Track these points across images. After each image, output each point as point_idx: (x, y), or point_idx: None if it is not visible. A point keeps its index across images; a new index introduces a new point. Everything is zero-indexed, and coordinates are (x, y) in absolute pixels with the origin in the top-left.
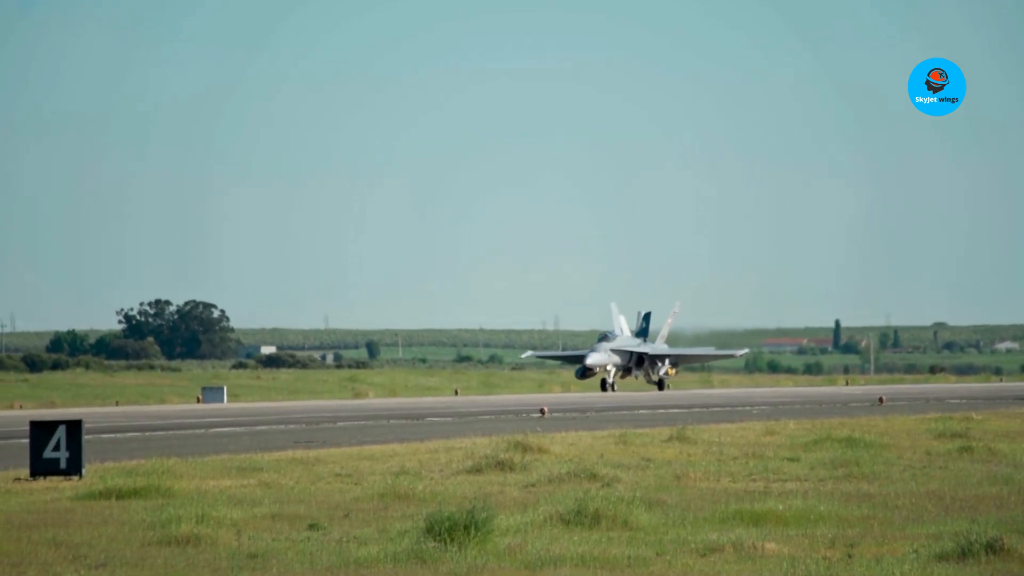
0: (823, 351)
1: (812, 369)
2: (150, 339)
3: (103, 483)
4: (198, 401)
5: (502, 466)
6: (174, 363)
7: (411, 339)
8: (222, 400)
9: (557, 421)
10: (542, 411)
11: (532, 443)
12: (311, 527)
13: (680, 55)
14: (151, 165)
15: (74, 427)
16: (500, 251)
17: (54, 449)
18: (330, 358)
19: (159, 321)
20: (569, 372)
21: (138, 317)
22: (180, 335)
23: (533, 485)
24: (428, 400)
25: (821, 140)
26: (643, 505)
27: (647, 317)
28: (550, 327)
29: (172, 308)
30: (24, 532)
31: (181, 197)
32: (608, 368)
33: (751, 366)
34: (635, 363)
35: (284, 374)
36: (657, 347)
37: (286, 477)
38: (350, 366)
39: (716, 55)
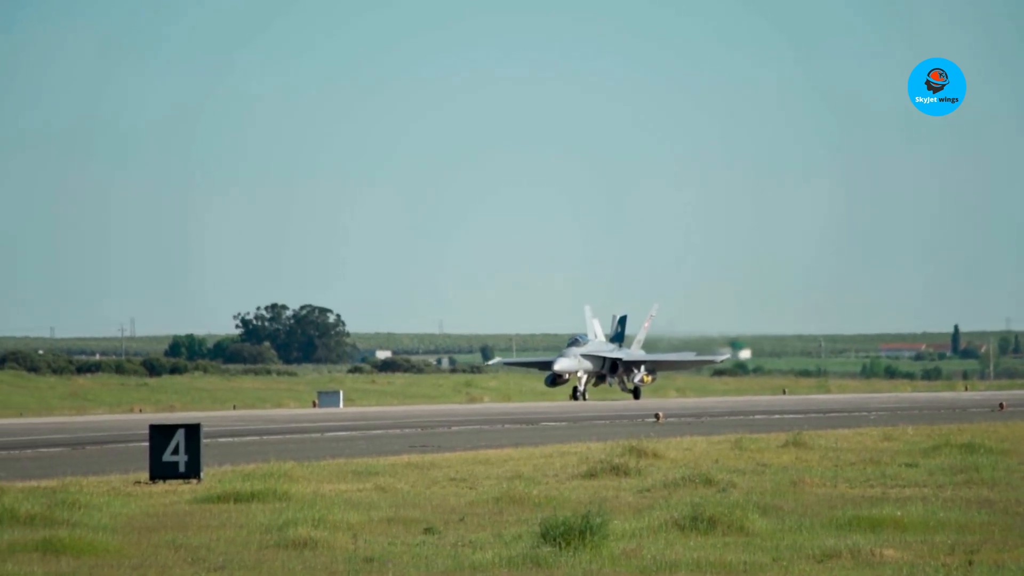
0: (941, 356)
1: (930, 374)
2: (267, 344)
3: (221, 486)
4: (314, 405)
5: (617, 471)
6: (290, 367)
7: (525, 344)
8: (338, 404)
9: (672, 426)
10: (657, 416)
11: (647, 448)
12: (427, 531)
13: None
14: (266, 171)
15: (192, 431)
16: (608, 254)
17: (173, 453)
18: (445, 362)
19: (276, 326)
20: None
21: (255, 322)
22: (296, 340)
23: (648, 490)
24: (543, 405)
25: (919, 140)
26: (759, 511)
27: (623, 321)
28: (664, 331)
29: (288, 313)
30: (144, 535)
31: (298, 202)
32: (579, 375)
33: (868, 371)
34: (608, 369)
35: (399, 378)
36: (632, 352)
37: (402, 481)
38: (464, 371)
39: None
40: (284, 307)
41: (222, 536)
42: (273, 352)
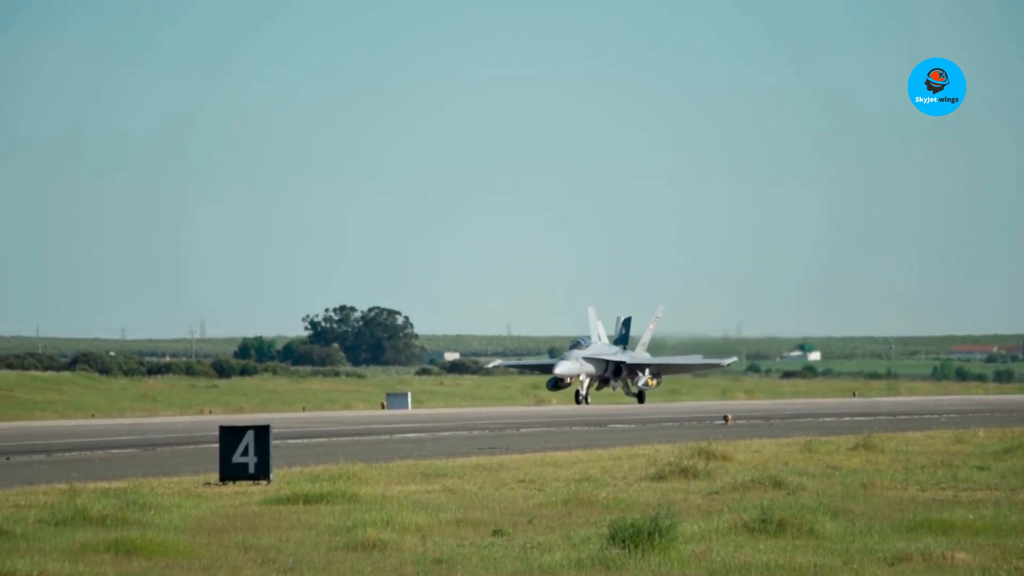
0: (1014, 359)
1: (1002, 377)
2: (335, 345)
3: (290, 488)
4: (382, 407)
5: (686, 473)
6: (359, 369)
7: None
8: (406, 406)
9: (741, 428)
10: (726, 418)
11: (716, 450)
12: (495, 533)
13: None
14: (333, 172)
15: (262, 432)
16: (682, 257)
17: (243, 454)
18: None
19: (344, 328)
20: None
21: (324, 324)
22: (365, 341)
23: (717, 492)
24: (610, 407)
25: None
26: (829, 513)
27: (627, 323)
28: (732, 334)
29: (357, 315)
30: (214, 536)
31: (367, 204)
32: (581, 378)
33: (939, 374)
34: (612, 373)
35: (467, 380)
36: (637, 355)
37: (470, 483)
38: (533, 372)
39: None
40: (353, 309)
41: (292, 537)
42: (342, 354)
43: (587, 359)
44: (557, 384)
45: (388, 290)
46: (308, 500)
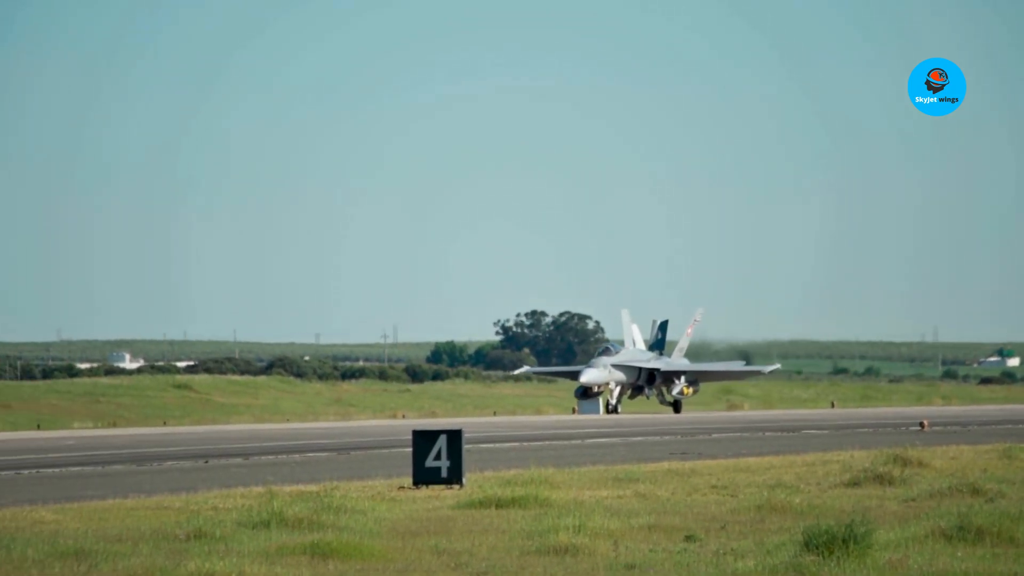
0: None
1: None
2: (526, 350)
3: (482, 492)
4: (573, 412)
5: (881, 480)
6: None
7: (786, 351)
8: (597, 411)
9: (937, 435)
10: (922, 424)
11: (912, 456)
12: (687, 539)
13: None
14: (525, 179)
15: (454, 437)
16: (868, 262)
17: (436, 458)
18: None
19: (535, 332)
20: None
21: (514, 328)
22: (556, 346)
23: (913, 499)
24: (804, 412)
25: None
26: None
27: (663, 327)
28: (929, 339)
29: (548, 319)
30: (408, 539)
31: (559, 209)
32: (611, 387)
33: None
34: (646, 380)
35: None
36: (672, 362)
37: (662, 488)
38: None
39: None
40: (543, 314)
41: (484, 542)
42: (533, 358)
43: (616, 366)
44: (586, 393)
45: (579, 295)
46: (500, 504)
